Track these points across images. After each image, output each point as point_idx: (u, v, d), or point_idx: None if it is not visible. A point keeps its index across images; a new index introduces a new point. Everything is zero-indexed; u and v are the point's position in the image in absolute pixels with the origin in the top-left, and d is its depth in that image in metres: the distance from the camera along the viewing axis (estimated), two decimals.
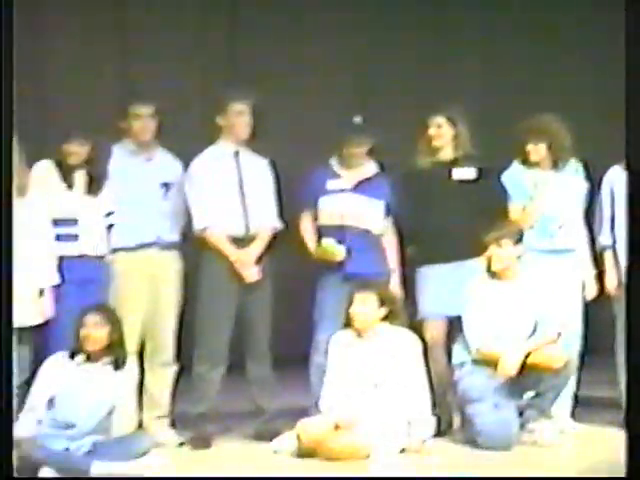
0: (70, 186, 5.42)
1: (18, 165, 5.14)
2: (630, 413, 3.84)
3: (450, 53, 8.01)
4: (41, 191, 5.31)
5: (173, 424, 5.64)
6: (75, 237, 5.39)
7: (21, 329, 5.16)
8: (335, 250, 5.52)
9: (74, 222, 5.39)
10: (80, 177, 5.43)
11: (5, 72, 4.04)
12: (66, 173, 5.42)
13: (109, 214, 5.52)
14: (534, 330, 5.40)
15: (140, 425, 5.48)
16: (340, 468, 4.94)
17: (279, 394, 5.65)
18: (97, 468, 4.81)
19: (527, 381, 5.25)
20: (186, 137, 5.87)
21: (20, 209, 5.14)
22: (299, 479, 4.46)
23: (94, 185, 5.45)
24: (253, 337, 5.62)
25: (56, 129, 5.68)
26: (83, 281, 5.34)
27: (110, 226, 5.52)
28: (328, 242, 5.55)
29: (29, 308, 5.19)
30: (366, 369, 5.29)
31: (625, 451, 3.80)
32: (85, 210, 5.43)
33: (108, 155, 5.51)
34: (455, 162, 5.65)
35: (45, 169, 5.41)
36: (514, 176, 5.70)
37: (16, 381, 5.14)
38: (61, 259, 5.31)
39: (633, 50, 4.13)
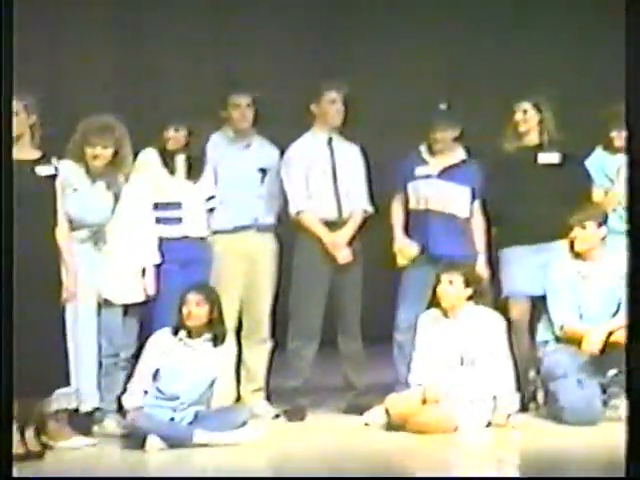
0: (172, 172, 5.69)
1: (125, 158, 5.45)
2: (630, 413, 3.92)
3: (536, 39, 8.08)
4: (145, 176, 5.58)
5: (269, 397, 5.88)
6: (179, 220, 5.65)
7: (127, 305, 5.49)
8: (408, 249, 5.74)
9: (178, 206, 5.65)
10: (181, 163, 5.69)
11: (5, 72, 4.19)
12: (167, 159, 5.68)
13: (210, 198, 5.79)
14: (617, 309, 5.52)
15: (238, 398, 5.73)
16: (428, 441, 5.12)
17: (369, 370, 5.86)
18: (198, 437, 5.08)
19: (610, 359, 5.35)
20: (282, 124, 6.09)
21: (125, 194, 5.46)
22: (300, 479, 4.57)
23: (194, 170, 5.70)
24: (345, 316, 5.85)
25: (157, 116, 5.90)
26: (185, 261, 5.60)
27: (211, 209, 5.79)
28: (401, 243, 5.76)
29: (133, 286, 5.49)
30: (453, 346, 5.46)
31: (625, 451, 3.80)
32: (187, 194, 5.68)
33: (205, 141, 5.74)
34: (540, 147, 5.77)
35: (149, 156, 5.66)
36: (598, 161, 5.82)
37: (125, 354, 5.48)
38: (164, 241, 5.58)
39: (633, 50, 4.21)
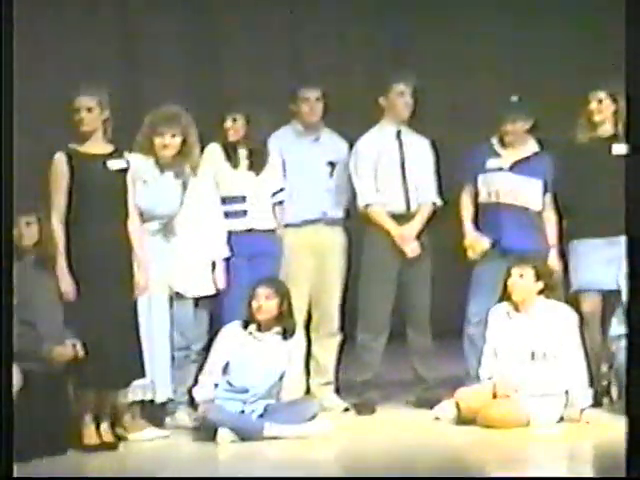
0: (235, 165, 5.72)
1: (193, 147, 5.49)
2: (631, 412, 3.87)
3: (610, 29, 7.97)
4: (211, 171, 5.62)
5: (338, 390, 5.90)
6: (244, 213, 5.68)
7: (198, 298, 5.53)
8: (480, 243, 5.70)
9: (242, 199, 5.68)
10: (243, 156, 5.71)
11: (5, 71, 4.20)
12: (230, 152, 5.70)
13: (278, 191, 5.81)
14: None
15: (308, 391, 5.76)
16: (499, 436, 5.10)
17: (439, 364, 5.86)
18: (269, 430, 5.12)
19: None
20: (351, 117, 6.10)
21: (193, 187, 5.49)
22: (301, 479, 4.52)
23: (256, 162, 5.71)
24: (414, 309, 5.84)
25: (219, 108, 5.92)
26: (253, 255, 5.63)
27: (280, 202, 5.82)
28: (472, 237, 5.73)
29: (204, 279, 5.53)
30: (523, 340, 5.43)
31: (625, 451, 3.80)
32: (251, 187, 5.70)
33: (265, 131, 5.73)
34: (615, 138, 5.71)
35: (213, 150, 5.69)
36: None
37: (196, 347, 5.52)
38: (232, 234, 5.62)
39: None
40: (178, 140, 5.35)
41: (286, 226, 5.82)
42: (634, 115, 3.95)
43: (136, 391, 5.14)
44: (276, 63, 7.60)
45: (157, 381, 5.25)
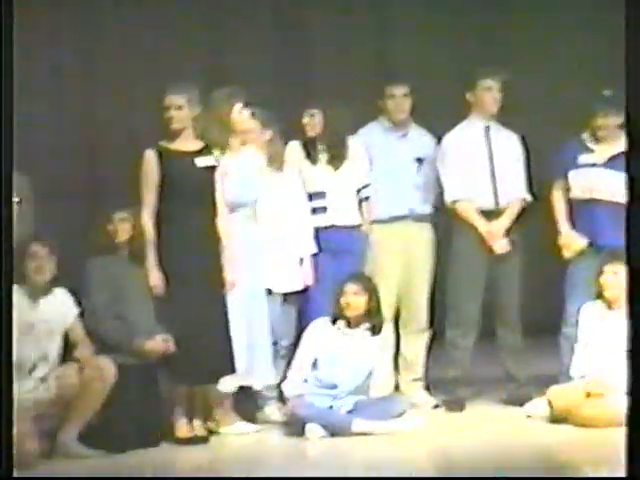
0: (315, 162, 5.72)
1: (275, 144, 5.52)
2: (630, 412, 3.78)
3: None
4: (294, 167, 5.66)
5: (427, 387, 5.87)
6: (324, 209, 5.70)
7: (286, 294, 5.55)
8: (576, 242, 5.62)
9: (322, 195, 5.70)
10: (322, 151, 5.72)
11: (5, 69, 4.21)
12: (309, 149, 5.71)
13: (363, 187, 5.81)
14: None
15: (397, 387, 5.75)
16: (593, 435, 5.03)
17: (530, 362, 5.79)
18: (357, 426, 5.11)
19: None
20: (438, 113, 6.06)
21: (280, 183, 5.54)
22: (314, 479, 4.49)
23: (335, 158, 5.71)
24: (503, 306, 5.78)
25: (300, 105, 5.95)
26: (338, 251, 5.65)
27: (366, 198, 5.81)
28: (568, 236, 5.65)
29: (292, 275, 5.56)
30: (617, 339, 5.36)
31: (625, 451, 3.75)
32: (331, 183, 5.72)
33: (343, 126, 5.73)
34: None
35: (294, 148, 5.72)
36: None
37: (284, 342, 5.54)
38: (318, 230, 5.65)
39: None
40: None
41: (373, 222, 5.82)
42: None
43: (228, 383, 5.19)
44: (362, 60, 7.60)
45: (258, 368, 5.29)
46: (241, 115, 5.33)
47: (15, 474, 4.05)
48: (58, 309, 4.95)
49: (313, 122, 5.67)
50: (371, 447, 4.98)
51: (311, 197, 5.68)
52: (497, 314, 5.80)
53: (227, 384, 5.19)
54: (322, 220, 5.68)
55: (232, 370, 5.14)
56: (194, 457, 4.91)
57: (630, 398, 3.84)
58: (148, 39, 7.03)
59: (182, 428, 5.04)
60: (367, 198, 5.81)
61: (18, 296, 4.85)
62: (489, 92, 5.77)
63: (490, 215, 5.75)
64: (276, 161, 5.57)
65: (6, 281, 4.12)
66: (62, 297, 4.98)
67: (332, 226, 5.68)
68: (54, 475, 4.63)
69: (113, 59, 7.07)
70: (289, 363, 5.39)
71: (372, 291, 5.37)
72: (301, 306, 5.62)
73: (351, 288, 5.33)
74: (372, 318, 5.35)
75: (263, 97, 5.74)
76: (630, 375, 3.82)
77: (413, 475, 4.56)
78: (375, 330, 5.36)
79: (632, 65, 3.87)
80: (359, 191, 5.79)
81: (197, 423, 5.09)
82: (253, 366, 5.28)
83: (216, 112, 5.27)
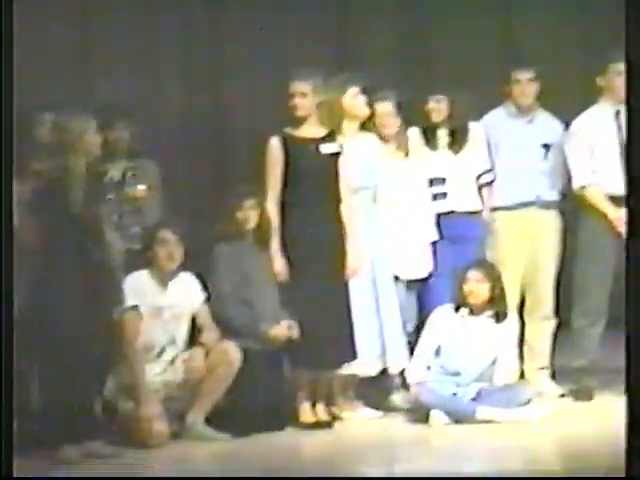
0: (434, 147, 5.68)
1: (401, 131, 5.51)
2: (630, 412, 3.59)
3: None
4: (417, 153, 5.64)
5: (553, 376, 5.79)
6: (444, 195, 5.65)
7: (409, 281, 5.54)
8: None
9: (442, 181, 5.65)
10: (443, 136, 5.69)
11: (5, 68, 4.22)
12: (429, 134, 5.67)
13: (485, 172, 5.75)
14: None
15: (522, 375, 5.67)
16: None
17: None
18: (482, 413, 5.09)
19: None
20: (566, 98, 5.96)
21: (402, 170, 5.53)
22: (315, 479, 4.42)
23: (456, 143, 5.67)
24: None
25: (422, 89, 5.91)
26: (458, 237, 5.60)
27: (487, 184, 5.75)
28: None
29: (416, 262, 5.54)
30: None
31: (625, 450, 3.65)
32: (451, 168, 5.67)
33: (468, 111, 5.68)
34: None
35: (413, 135, 5.68)
36: None
37: (409, 327, 5.54)
38: (438, 217, 5.62)
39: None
40: None
41: (497, 209, 5.76)
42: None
43: (352, 369, 5.22)
44: (488, 45, 7.51)
45: (390, 353, 5.30)
46: (356, 100, 5.33)
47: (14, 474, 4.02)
48: (185, 293, 5.05)
49: (439, 107, 5.64)
50: (495, 435, 4.94)
51: (431, 183, 5.65)
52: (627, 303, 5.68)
53: (360, 369, 5.22)
54: (442, 206, 5.65)
55: (354, 357, 5.16)
56: (318, 442, 4.97)
57: (630, 398, 3.76)
58: (274, 25, 7.07)
59: (306, 413, 5.10)
60: (488, 184, 5.76)
61: (147, 281, 4.98)
62: (621, 76, 5.63)
63: (619, 201, 5.62)
64: (401, 148, 5.56)
65: (6, 281, 4.17)
66: (189, 281, 5.08)
67: (452, 212, 5.65)
68: (182, 456, 4.74)
69: (240, 45, 7.13)
70: (412, 350, 5.39)
71: (496, 278, 5.33)
72: (420, 292, 5.60)
73: (474, 275, 5.30)
74: (496, 305, 5.30)
75: (386, 83, 5.73)
76: (630, 375, 3.70)
77: (538, 467, 4.51)
78: (499, 317, 5.31)
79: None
80: (479, 177, 5.75)
81: (320, 408, 5.14)
82: (386, 351, 5.29)
83: (333, 97, 5.29)
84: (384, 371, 5.35)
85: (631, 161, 3.80)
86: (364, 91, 5.35)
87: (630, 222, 3.91)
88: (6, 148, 4.23)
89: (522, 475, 4.34)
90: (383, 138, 5.51)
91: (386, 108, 5.48)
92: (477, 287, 5.28)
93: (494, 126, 5.80)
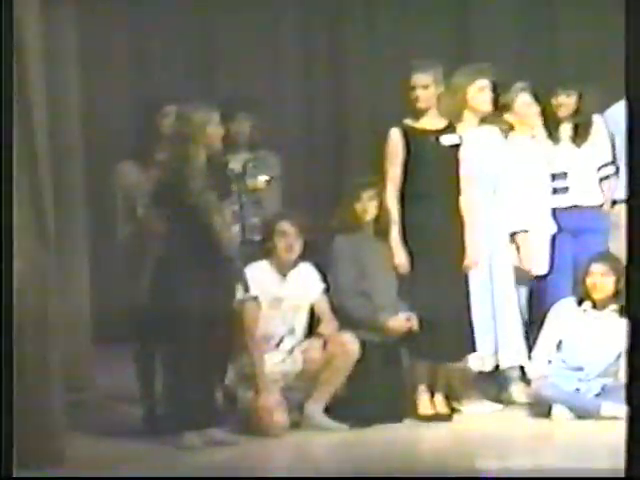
0: (557, 141, 5.58)
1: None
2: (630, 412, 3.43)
3: None
4: (538, 147, 5.55)
5: None
6: (566, 189, 5.56)
7: (528, 274, 5.44)
8: None
9: (564, 175, 5.55)
10: (566, 130, 5.59)
11: (5, 67, 4.14)
12: (551, 128, 5.57)
13: (604, 165, 5.64)
14: None
15: None
16: None
17: None
18: (607, 410, 4.98)
19: None
20: None
21: (523, 164, 5.47)
22: (320, 479, 4.34)
23: (579, 137, 5.57)
24: None
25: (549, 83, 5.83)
26: (578, 231, 5.51)
27: (607, 177, 5.63)
28: None
29: (539, 256, 5.45)
30: None
31: (625, 450, 3.46)
32: (573, 162, 5.57)
33: (594, 106, 5.59)
34: None
35: (539, 127, 5.60)
36: None
37: (528, 321, 5.47)
38: (556, 210, 5.53)
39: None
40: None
41: (618, 202, 5.63)
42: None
43: (472, 362, 5.18)
44: (611, 37, 7.35)
45: (508, 347, 5.25)
46: (482, 93, 5.28)
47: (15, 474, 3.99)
48: (305, 284, 5.08)
49: (569, 102, 5.56)
50: (619, 432, 4.83)
51: (553, 177, 5.56)
52: None
53: (478, 363, 5.19)
54: (564, 200, 5.56)
55: (473, 349, 5.12)
56: (436, 434, 4.94)
57: (629, 398, 3.64)
58: (391, 19, 7.07)
59: (425, 405, 5.07)
60: (608, 177, 5.64)
61: (267, 271, 5.02)
62: None
63: None
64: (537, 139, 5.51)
65: (6, 281, 4.14)
66: (308, 272, 5.11)
67: (574, 206, 5.56)
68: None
69: (360, 39, 7.15)
70: (532, 344, 5.30)
71: (620, 272, 5.17)
72: (540, 285, 5.51)
73: (598, 269, 5.19)
74: (620, 300, 5.17)
75: (513, 77, 5.67)
76: (630, 375, 3.63)
77: None
78: (623, 312, 5.20)
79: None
80: (599, 169, 5.64)
81: (439, 400, 5.11)
82: (504, 345, 5.24)
83: (458, 88, 5.25)
84: (499, 365, 5.30)
85: (632, 161, 3.70)
86: (493, 86, 5.31)
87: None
88: (6, 148, 4.21)
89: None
90: (511, 129, 5.46)
91: (525, 99, 5.47)
92: (601, 281, 5.18)
93: (618, 118, 5.68)
